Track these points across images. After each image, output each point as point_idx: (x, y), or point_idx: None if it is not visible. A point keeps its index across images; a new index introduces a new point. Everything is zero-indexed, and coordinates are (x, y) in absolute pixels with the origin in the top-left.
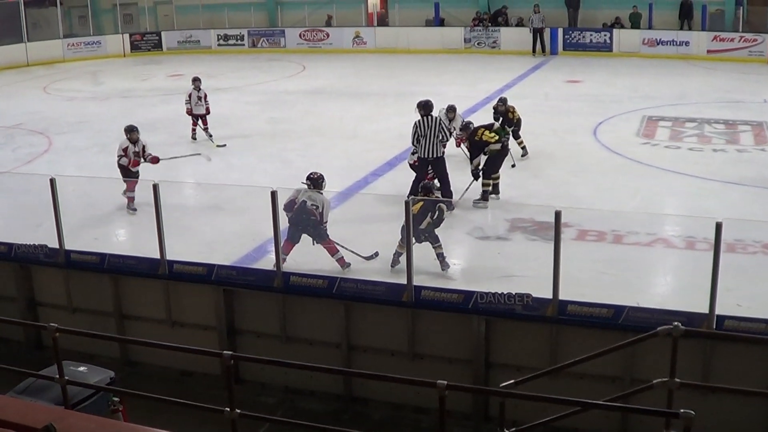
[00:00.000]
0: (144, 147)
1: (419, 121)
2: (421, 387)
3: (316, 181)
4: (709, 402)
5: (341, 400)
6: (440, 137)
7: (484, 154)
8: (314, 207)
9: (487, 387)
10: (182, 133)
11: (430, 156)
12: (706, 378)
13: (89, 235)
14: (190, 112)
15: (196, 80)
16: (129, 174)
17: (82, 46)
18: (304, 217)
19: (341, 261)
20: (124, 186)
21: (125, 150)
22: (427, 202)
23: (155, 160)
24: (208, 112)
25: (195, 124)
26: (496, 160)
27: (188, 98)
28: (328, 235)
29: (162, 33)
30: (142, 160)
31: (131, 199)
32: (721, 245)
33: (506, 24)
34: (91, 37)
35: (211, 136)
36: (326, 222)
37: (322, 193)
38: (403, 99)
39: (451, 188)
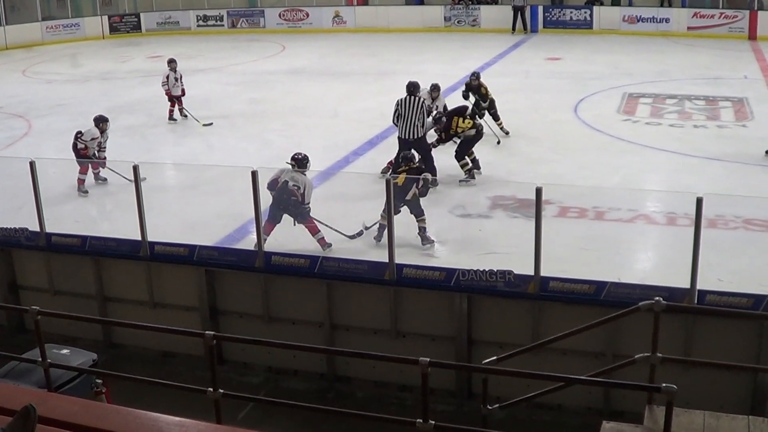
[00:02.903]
0: (104, 141)
1: (400, 100)
2: (404, 365)
3: (300, 162)
4: (691, 376)
5: (325, 379)
6: (420, 118)
7: (458, 137)
8: (296, 187)
9: (470, 364)
10: (161, 115)
11: (410, 137)
12: (688, 353)
13: (70, 217)
14: (168, 94)
15: (172, 62)
16: (80, 157)
17: (60, 28)
18: (285, 198)
19: (322, 241)
20: (98, 168)
21: (92, 140)
22: (411, 173)
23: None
24: (183, 93)
25: (173, 105)
26: (470, 142)
27: (165, 80)
28: (309, 215)
29: (141, 14)
30: (95, 152)
31: (81, 182)
32: (701, 220)
33: (486, 2)
34: (70, 20)
35: (188, 116)
36: (308, 203)
37: (305, 174)
38: (384, 78)
39: (435, 165)
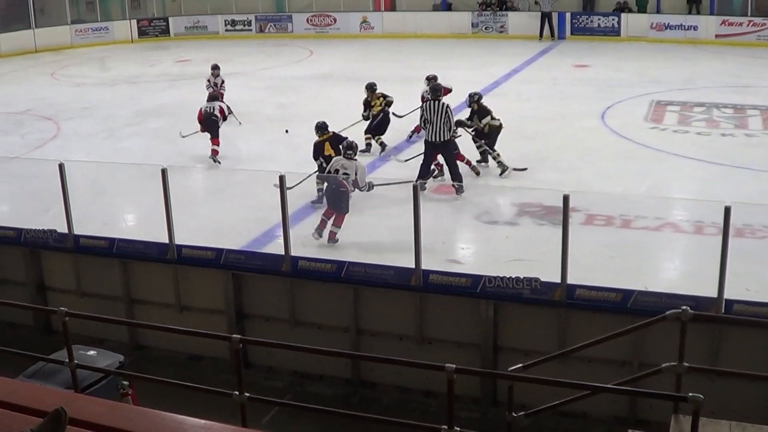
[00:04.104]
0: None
1: (426, 104)
2: (429, 371)
3: (349, 147)
4: (717, 386)
5: (350, 384)
6: (447, 122)
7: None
8: (345, 176)
9: (496, 371)
10: (189, 118)
11: (437, 140)
12: (714, 362)
13: (98, 220)
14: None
15: (215, 68)
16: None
17: (89, 31)
18: (333, 187)
19: (332, 235)
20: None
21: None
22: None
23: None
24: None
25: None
26: (496, 134)
27: (208, 83)
28: (347, 209)
29: (169, 18)
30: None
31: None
32: (729, 229)
33: (514, 9)
34: (99, 23)
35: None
36: (365, 185)
37: (356, 159)
38: (411, 84)
39: (460, 171)
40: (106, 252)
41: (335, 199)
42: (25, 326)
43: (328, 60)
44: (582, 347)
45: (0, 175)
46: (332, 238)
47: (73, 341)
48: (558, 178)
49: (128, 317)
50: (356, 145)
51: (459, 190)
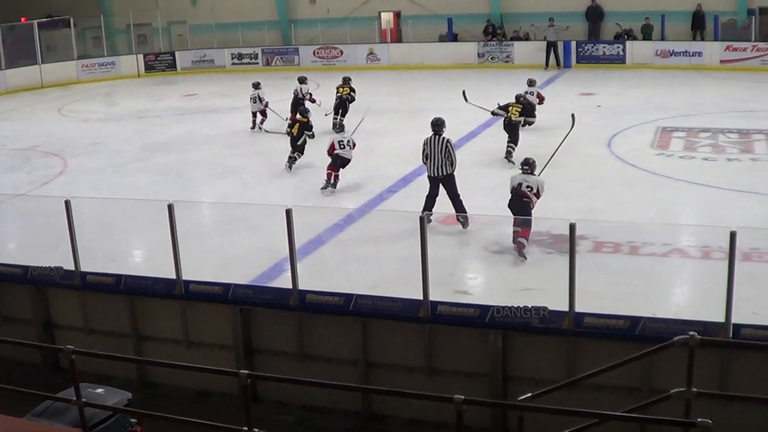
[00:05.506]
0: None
1: (427, 139)
2: (438, 402)
3: (531, 166)
4: (727, 411)
5: (360, 417)
6: (447, 157)
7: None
8: (528, 189)
9: (505, 401)
10: (196, 153)
11: (438, 174)
12: (723, 387)
13: (105, 256)
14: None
15: (257, 85)
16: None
17: (96, 67)
18: (517, 200)
19: (521, 246)
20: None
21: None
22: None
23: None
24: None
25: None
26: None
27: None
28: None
29: (176, 53)
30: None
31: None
32: (735, 254)
33: (519, 38)
34: (105, 58)
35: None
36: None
37: (535, 174)
38: (418, 115)
39: (464, 204)
40: (113, 288)
41: (521, 211)
42: (32, 364)
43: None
44: (591, 375)
45: (7, 213)
46: (520, 249)
47: (80, 379)
48: (566, 206)
49: (136, 354)
50: (533, 160)
51: (464, 223)
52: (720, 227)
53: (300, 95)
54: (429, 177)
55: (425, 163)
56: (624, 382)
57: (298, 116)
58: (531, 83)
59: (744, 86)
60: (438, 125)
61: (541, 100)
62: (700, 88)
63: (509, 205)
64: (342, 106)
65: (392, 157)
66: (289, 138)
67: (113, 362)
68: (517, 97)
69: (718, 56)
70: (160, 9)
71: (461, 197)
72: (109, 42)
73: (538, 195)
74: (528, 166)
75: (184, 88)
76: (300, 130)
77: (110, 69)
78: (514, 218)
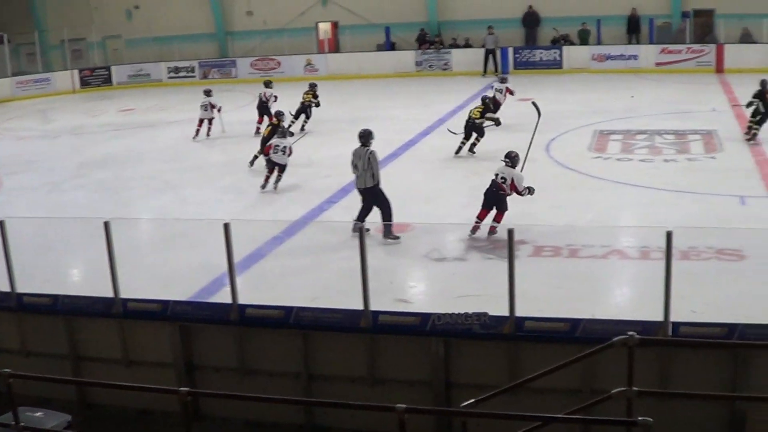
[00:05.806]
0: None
1: (355, 150)
2: (381, 412)
3: (512, 159)
4: (668, 408)
5: (303, 429)
6: (369, 169)
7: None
8: (503, 180)
9: (449, 407)
10: (134, 168)
11: (361, 186)
12: (664, 385)
13: (43, 276)
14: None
15: (208, 92)
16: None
17: (31, 83)
18: (491, 189)
19: (492, 229)
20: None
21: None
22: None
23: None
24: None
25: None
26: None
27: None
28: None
29: (112, 67)
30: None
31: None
32: (672, 253)
33: (457, 46)
34: (40, 74)
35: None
36: (524, 191)
37: (513, 168)
38: (357, 124)
39: (392, 212)
40: (50, 309)
41: (491, 200)
42: None
43: (274, 104)
44: (533, 378)
45: None
46: (492, 232)
47: (19, 402)
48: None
49: (75, 375)
50: (515, 154)
51: (393, 236)
52: (657, 227)
53: (264, 98)
54: (357, 189)
55: (353, 173)
56: (566, 384)
57: (273, 119)
58: (502, 80)
59: (679, 88)
60: (364, 137)
61: (512, 93)
62: (637, 91)
63: (484, 193)
64: (304, 111)
65: (332, 167)
66: (259, 139)
67: (52, 384)
68: (483, 98)
69: (653, 59)
70: (95, 23)
71: (392, 209)
72: (44, 58)
73: (513, 187)
74: (509, 159)
75: (121, 102)
76: (270, 133)
77: (45, 85)
78: (480, 212)
